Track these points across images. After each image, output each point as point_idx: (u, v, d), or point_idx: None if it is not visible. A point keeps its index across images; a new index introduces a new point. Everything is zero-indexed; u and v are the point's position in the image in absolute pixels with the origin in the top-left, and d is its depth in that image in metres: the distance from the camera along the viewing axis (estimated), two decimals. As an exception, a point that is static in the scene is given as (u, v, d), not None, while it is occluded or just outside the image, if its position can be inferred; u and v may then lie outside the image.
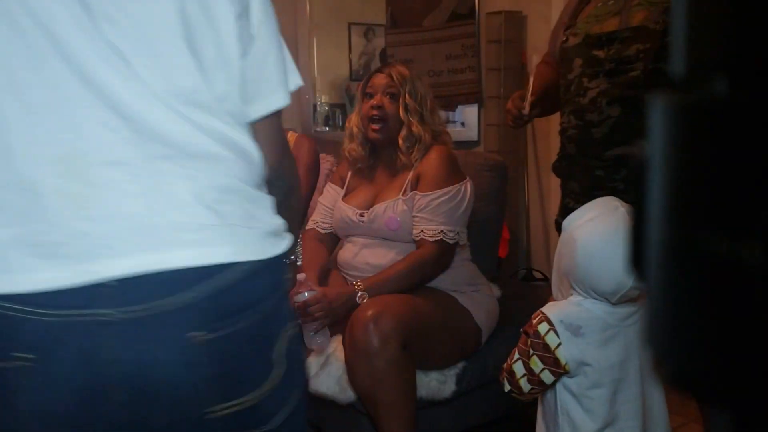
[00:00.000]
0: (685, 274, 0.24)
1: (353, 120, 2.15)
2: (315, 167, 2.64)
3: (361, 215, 2.06)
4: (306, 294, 1.90)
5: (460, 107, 3.47)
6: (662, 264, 0.25)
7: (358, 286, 1.93)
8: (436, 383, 1.97)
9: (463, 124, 3.48)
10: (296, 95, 4.25)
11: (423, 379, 1.95)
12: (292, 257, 2.48)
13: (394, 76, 2.04)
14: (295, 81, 0.99)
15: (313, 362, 2.00)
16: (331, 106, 4.40)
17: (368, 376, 1.80)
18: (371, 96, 2.07)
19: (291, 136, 2.69)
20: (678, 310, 0.25)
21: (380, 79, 2.07)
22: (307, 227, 2.28)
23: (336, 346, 1.96)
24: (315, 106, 4.27)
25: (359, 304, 1.90)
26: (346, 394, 1.90)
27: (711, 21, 0.24)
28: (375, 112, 2.04)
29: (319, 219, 2.23)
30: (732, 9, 0.23)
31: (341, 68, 4.47)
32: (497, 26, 3.17)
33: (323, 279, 2.12)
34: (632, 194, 0.26)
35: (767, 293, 0.22)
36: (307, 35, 4.19)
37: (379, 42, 4.18)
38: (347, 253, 2.12)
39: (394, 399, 1.80)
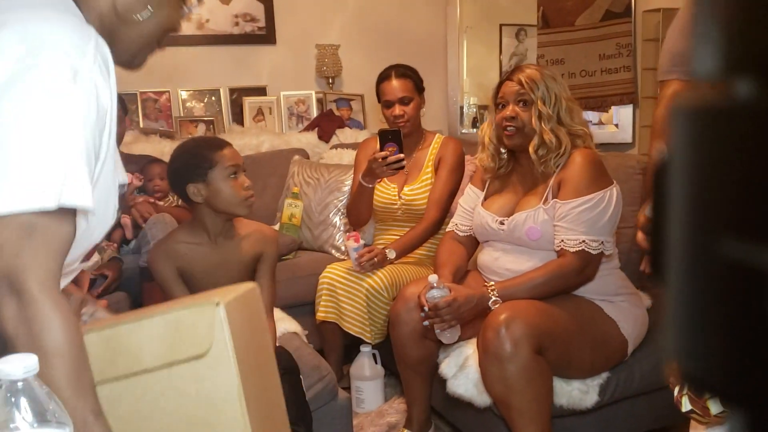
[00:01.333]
0: (704, 279, 0.24)
1: (485, 130, 2.11)
2: (459, 168, 2.65)
3: (501, 223, 2.03)
4: (436, 294, 1.93)
5: (614, 108, 3.34)
6: (681, 268, 0.24)
7: (492, 291, 1.92)
8: (578, 393, 1.92)
9: (616, 125, 3.35)
10: (443, 97, 4.27)
11: (564, 388, 1.91)
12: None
13: (525, 82, 1.96)
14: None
15: (451, 363, 2.02)
16: (479, 107, 4.39)
17: (500, 381, 1.78)
18: (503, 106, 2.02)
19: (438, 138, 2.72)
20: (697, 313, 0.24)
21: (510, 87, 2.00)
22: (447, 229, 2.30)
23: (474, 348, 1.97)
24: (462, 108, 4.28)
25: (491, 309, 1.89)
26: (483, 398, 1.90)
27: (735, 22, 0.23)
28: (509, 123, 1.98)
29: (458, 221, 2.24)
30: (756, 10, 0.22)
31: (491, 69, 4.44)
32: (654, 24, 3.02)
33: (460, 280, 2.13)
34: (653, 198, 0.26)
35: None
36: (457, 37, 4.21)
37: (531, 42, 4.12)
38: (487, 257, 2.11)
39: (528, 405, 1.77)
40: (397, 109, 2.60)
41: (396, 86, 2.61)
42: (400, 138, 2.46)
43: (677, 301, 0.24)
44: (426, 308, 1.95)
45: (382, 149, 2.45)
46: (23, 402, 0.67)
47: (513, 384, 1.77)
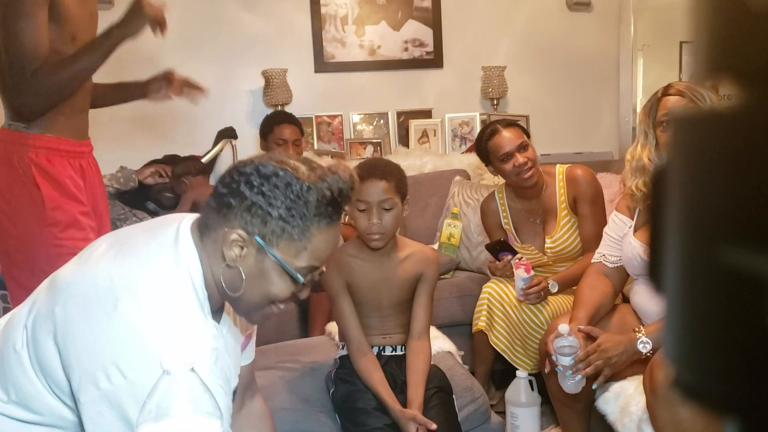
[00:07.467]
0: (702, 288, 0.22)
1: (639, 152, 1.89)
2: (599, 196, 2.50)
3: None
4: (564, 343, 1.85)
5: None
6: (680, 277, 0.22)
7: (640, 334, 1.81)
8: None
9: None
10: (614, 117, 4.10)
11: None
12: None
13: (687, 91, 1.72)
14: None
15: (611, 400, 1.92)
16: (654, 128, 4.18)
17: (672, 425, 1.64)
18: (668, 123, 1.87)
19: (560, 171, 2.56)
20: (696, 324, 0.22)
21: (674, 102, 1.77)
22: (593, 260, 2.14)
23: (635, 387, 1.85)
24: (634, 129, 4.10)
25: (643, 354, 1.78)
26: (644, 434, 1.79)
27: (735, 28, 0.21)
28: None
29: (606, 251, 2.08)
30: (754, 17, 0.20)
31: (669, 89, 4.22)
32: None
33: (607, 316, 2.01)
34: (651, 205, 0.24)
35: None
36: (630, 56, 4.06)
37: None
38: (641, 296, 1.97)
39: None
40: (520, 158, 2.45)
41: (509, 136, 2.48)
42: (507, 244, 2.50)
43: (675, 308, 0.23)
44: (553, 357, 1.89)
45: (498, 260, 2.49)
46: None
47: (687, 429, 1.63)
